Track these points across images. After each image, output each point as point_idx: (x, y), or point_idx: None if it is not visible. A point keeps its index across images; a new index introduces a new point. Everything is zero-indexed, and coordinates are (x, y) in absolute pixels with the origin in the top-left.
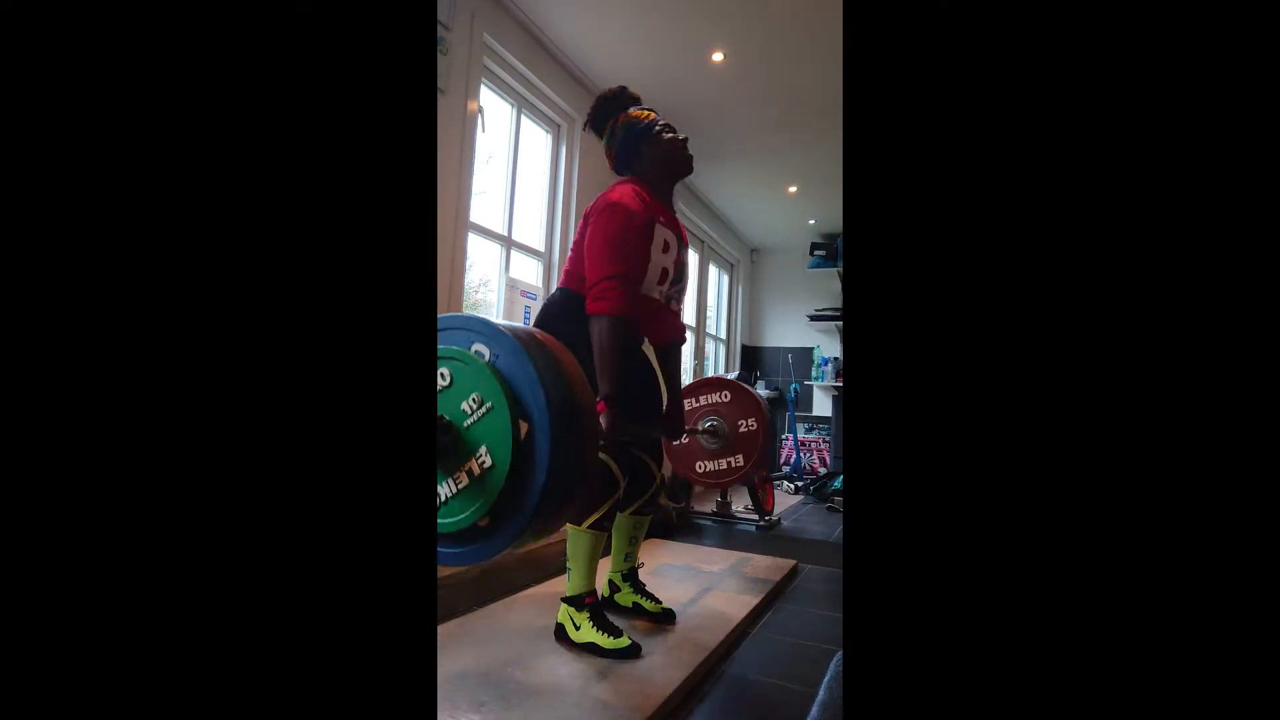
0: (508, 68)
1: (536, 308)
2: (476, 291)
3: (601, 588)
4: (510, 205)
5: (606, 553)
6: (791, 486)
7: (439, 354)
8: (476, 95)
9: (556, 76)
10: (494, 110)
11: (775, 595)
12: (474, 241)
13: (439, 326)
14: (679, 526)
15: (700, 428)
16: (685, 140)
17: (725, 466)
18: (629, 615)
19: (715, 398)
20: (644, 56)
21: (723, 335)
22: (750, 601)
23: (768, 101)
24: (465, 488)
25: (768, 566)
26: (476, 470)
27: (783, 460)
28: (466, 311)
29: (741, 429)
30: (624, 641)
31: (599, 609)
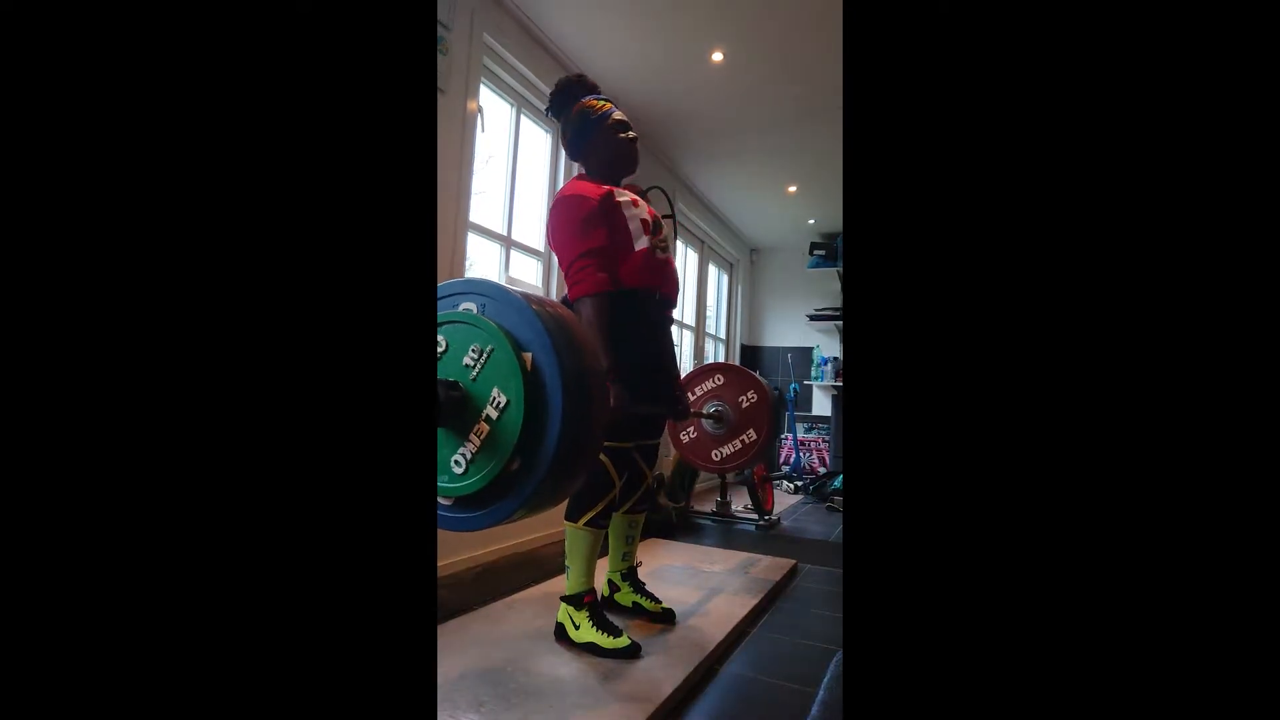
0: (507, 67)
1: None
2: None
3: (601, 588)
4: (510, 205)
5: (604, 553)
6: (791, 486)
7: (475, 324)
8: (476, 95)
9: (556, 76)
10: (493, 110)
11: (775, 595)
12: (473, 241)
13: (455, 290)
14: (679, 526)
15: (705, 413)
16: (634, 139)
17: (740, 446)
18: (629, 615)
19: (710, 383)
20: (643, 56)
21: (722, 335)
22: (750, 601)
23: (767, 101)
24: (487, 437)
25: (767, 566)
26: (494, 415)
27: (782, 460)
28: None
29: (744, 404)
30: (624, 641)
31: (598, 608)
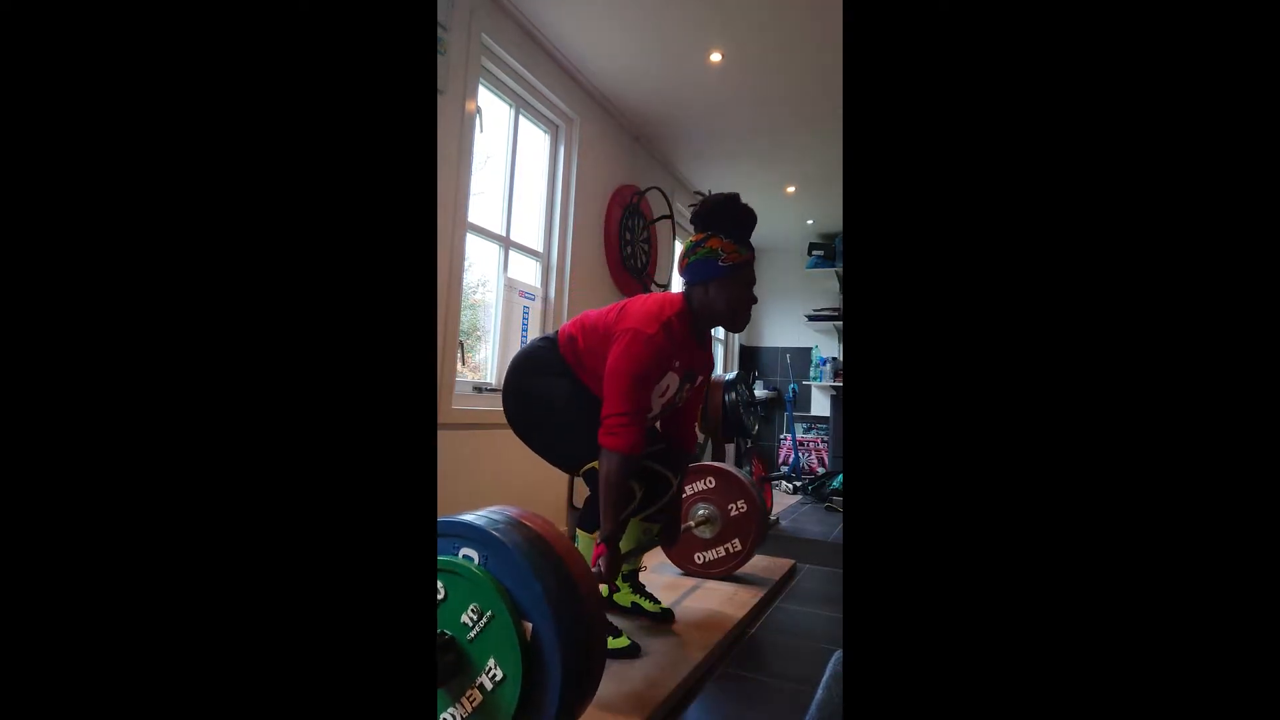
0: (506, 68)
1: (535, 308)
2: (475, 292)
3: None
4: (508, 206)
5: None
6: (790, 486)
7: (478, 581)
8: (474, 95)
9: (555, 77)
10: (492, 111)
11: (774, 595)
12: (472, 242)
13: (464, 533)
14: None
15: (693, 524)
16: (754, 301)
17: (724, 554)
18: (628, 615)
19: (701, 485)
20: (642, 56)
21: (721, 335)
22: (749, 601)
23: (765, 102)
24: (480, 706)
25: (766, 566)
26: (489, 685)
27: (781, 460)
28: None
29: (733, 513)
30: (623, 641)
31: None
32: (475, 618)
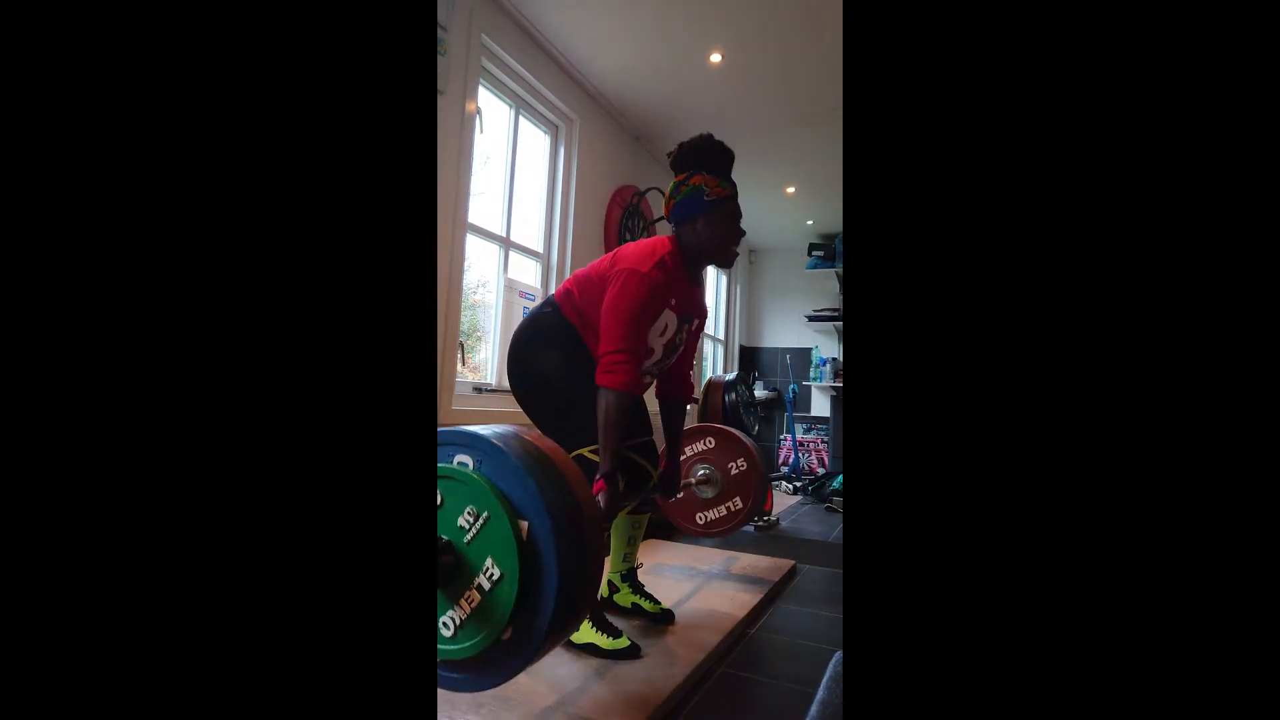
0: (505, 68)
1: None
2: (475, 292)
3: (600, 588)
4: (509, 206)
5: (605, 553)
6: (790, 487)
7: (474, 485)
8: (474, 96)
9: (554, 77)
10: (492, 111)
11: (774, 595)
12: (472, 242)
13: (461, 440)
14: (678, 527)
15: (694, 481)
16: (741, 234)
17: (726, 513)
18: (628, 615)
19: (700, 445)
20: (642, 57)
21: (721, 336)
22: (749, 601)
23: (765, 102)
24: (479, 606)
25: (766, 567)
26: (487, 585)
27: (781, 461)
28: (452, 430)
29: (733, 471)
30: (623, 642)
31: (598, 609)
32: (472, 520)
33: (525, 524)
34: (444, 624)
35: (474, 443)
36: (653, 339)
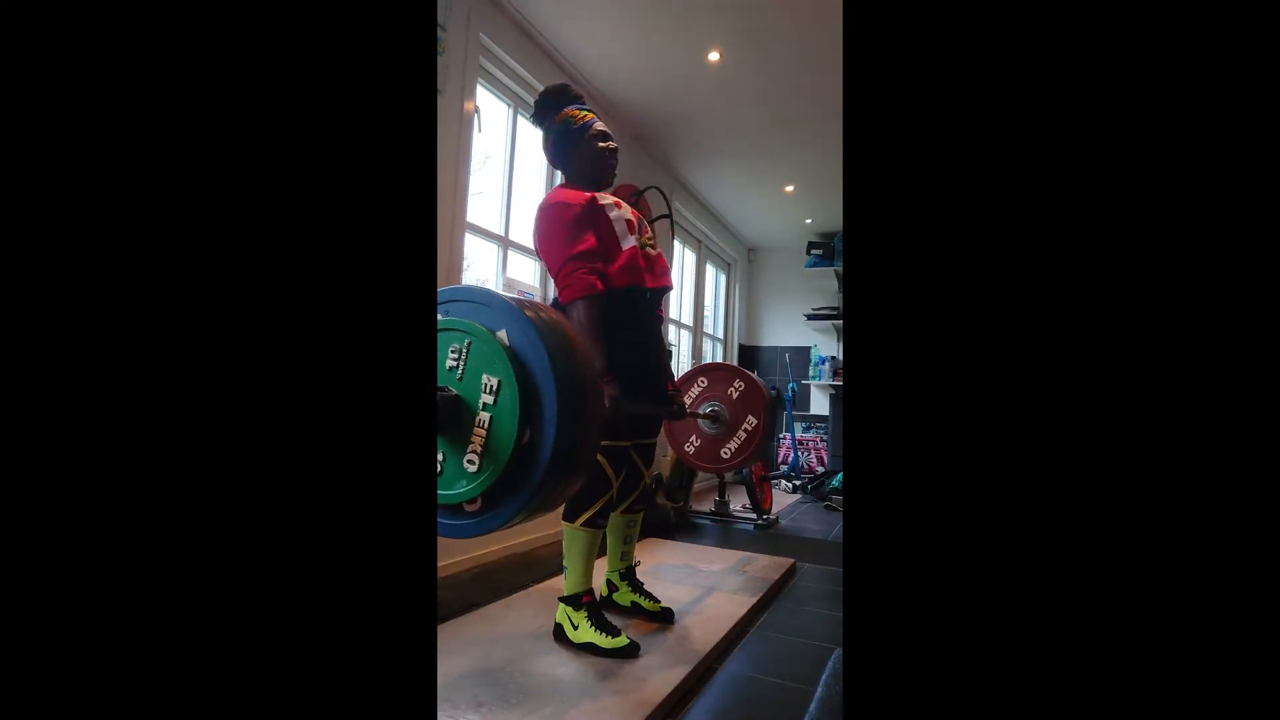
0: (504, 68)
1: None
2: None
3: (599, 587)
4: (507, 205)
5: (602, 552)
6: (789, 485)
7: (450, 327)
8: (473, 95)
9: (553, 76)
10: (490, 110)
11: (773, 594)
12: (471, 242)
13: (440, 300)
14: (677, 525)
15: (702, 413)
16: (614, 149)
17: (744, 436)
18: (627, 614)
19: (697, 387)
20: (641, 56)
21: (720, 335)
22: (748, 600)
23: (764, 101)
24: (491, 425)
25: (766, 565)
26: (491, 400)
27: (780, 459)
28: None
29: (734, 395)
30: (622, 641)
31: (597, 608)
32: (456, 356)
33: (503, 333)
34: (467, 462)
35: (461, 296)
36: (617, 219)
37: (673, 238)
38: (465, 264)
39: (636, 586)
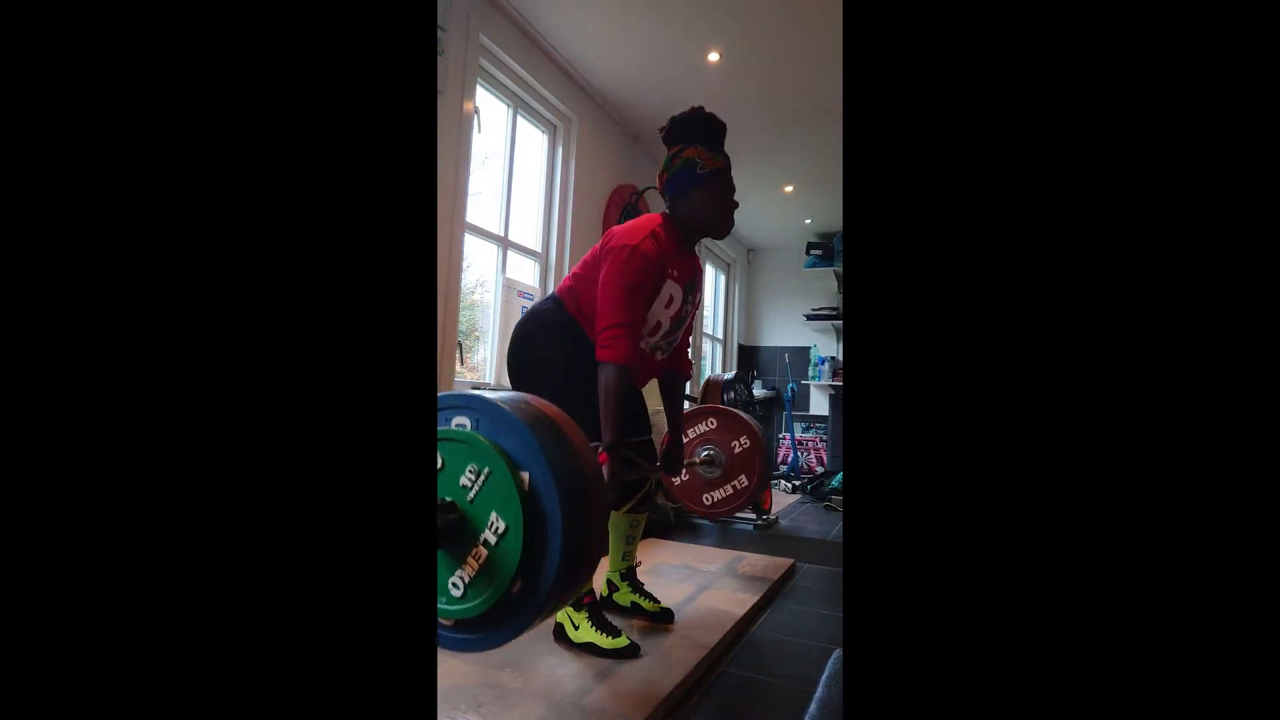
0: (504, 68)
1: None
2: (473, 292)
3: (600, 587)
4: (507, 206)
5: (603, 552)
6: (789, 486)
7: (473, 443)
8: (473, 96)
9: (552, 77)
10: (490, 111)
11: (773, 594)
12: (471, 242)
13: (472, 404)
14: (677, 526)
15: (698, 460)
16: (735, 206)
17: (731, 492)
18: (627, 615)
19: (703, 426)
20: (640, 56)
21: (719, 335)
22: (748, 600)
23: (764, 101)
24: (486, 562)
25: (765, 565)
26: (493, 539)
27: (780, 460)
28: (456, 386)
29: (736, 450)
30: (623, 641)
31: (597, 608)
32: (473, 478)
33: (526, 475)
34: (452, 585)
35: (470, 404)
36: (659, 312)
37: None
38: (465, 264)
39: (637, 587)
